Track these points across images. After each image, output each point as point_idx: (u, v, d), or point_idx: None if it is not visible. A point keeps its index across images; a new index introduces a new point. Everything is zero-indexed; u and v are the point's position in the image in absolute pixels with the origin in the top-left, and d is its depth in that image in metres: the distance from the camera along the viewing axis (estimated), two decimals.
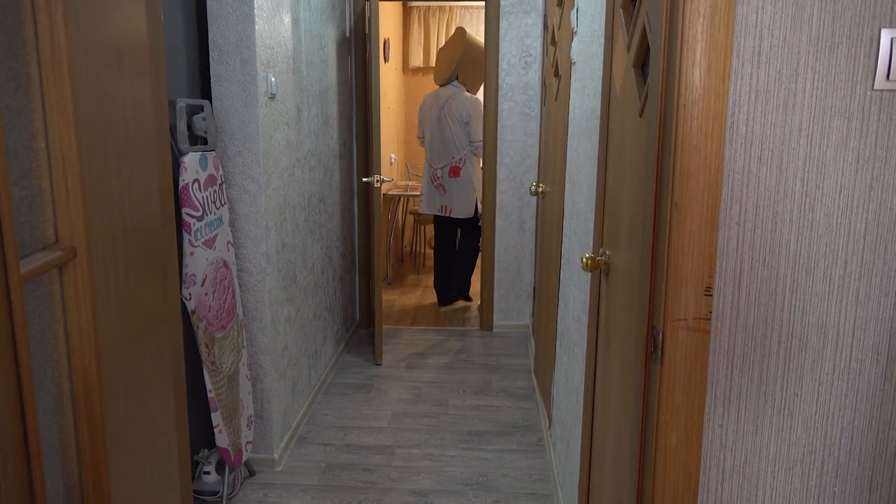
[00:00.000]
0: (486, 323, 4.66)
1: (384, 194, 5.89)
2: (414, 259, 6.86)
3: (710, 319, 1.10)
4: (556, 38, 3.17)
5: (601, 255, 1.87)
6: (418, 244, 6.72)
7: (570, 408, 2.46)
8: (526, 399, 3.56)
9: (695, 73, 1.03)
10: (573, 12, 2.55)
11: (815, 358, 1.12)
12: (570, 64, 2.64)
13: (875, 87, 1.03)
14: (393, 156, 6.47)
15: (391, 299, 5.45)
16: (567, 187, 2.68)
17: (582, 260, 1.86)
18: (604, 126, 1.87)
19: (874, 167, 1.05)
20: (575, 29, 2.53)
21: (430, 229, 7.31)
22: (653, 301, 1.14)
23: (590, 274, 2.11)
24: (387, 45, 5.97)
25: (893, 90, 1.03)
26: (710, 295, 1.09)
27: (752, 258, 1.10)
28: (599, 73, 1.99)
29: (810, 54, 1.03)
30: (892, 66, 1.01)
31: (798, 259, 1.09)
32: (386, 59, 5.95)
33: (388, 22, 6.20)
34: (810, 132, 1.05)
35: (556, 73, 3.15)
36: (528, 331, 4.58)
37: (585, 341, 2.17)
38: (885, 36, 1.01)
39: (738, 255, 1.10)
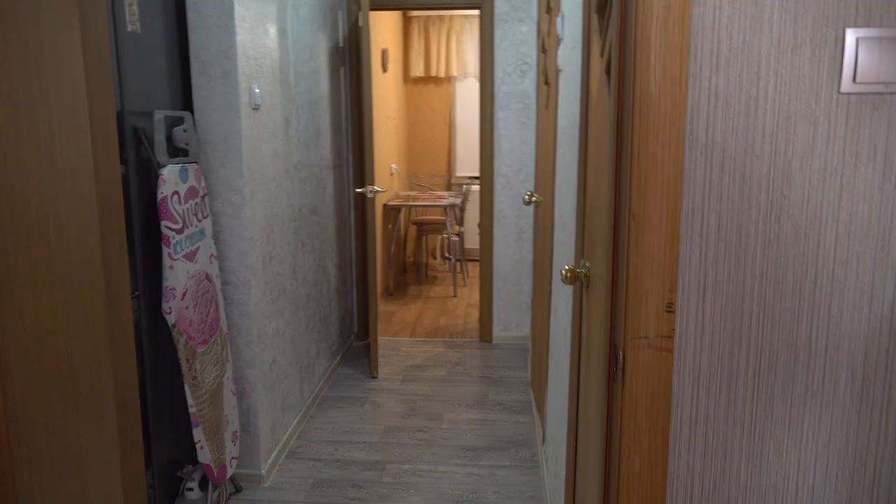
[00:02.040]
0: (485, 334, 4.60)
1: (385, 204, 5.86)
2: (416, 270, 6.81)
3: (672, 337, 1.04)
4: (545, 45, 3.12)
5: (581, 268, 1.81)
6: (421, 255, 6.68)
7: (560, 423, 2.40)
8: (522, 413, 3.50)
9: (649, 77, 0.98)
10: (559, 18, 2.50)
11: (786, 378, 1.06)
12: (558, 71, 2.59)
13: (841, 91, 0.97)
14: (394, 166, 6.43)
15: (391, 310, 5.40)
16: (556, 197, 2.63)
17: (561, 272, 1.80)
18: (582, 134, 1.82)
19: (843, 175, 0.99)
20: (560, 35, 2.48)
21: (433, 239, 7.27)
22: (614, 318, 1.08)
23: (572, 286, 2.06)
24: (385, 54, 5.94)
25: (860, 93, 0.97)
26: (672, 312, 1.03)
27: (717, 272, 1.04)
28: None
29: (772, 57, 0.98)
30: (857, 69, 0.95)
31: (765, 273, 1.03)
32: (385, 69, 5.93)
33: (387, 32, 6.18)
34: (774, 139, 1.00)
35: (545, 81, 3.10)
36: (528, 342, 4.52)
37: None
38: (850, 36, 0.95)
39: (702, 270, 1.04)
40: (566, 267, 1.79)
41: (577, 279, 1.79)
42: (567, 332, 2.23)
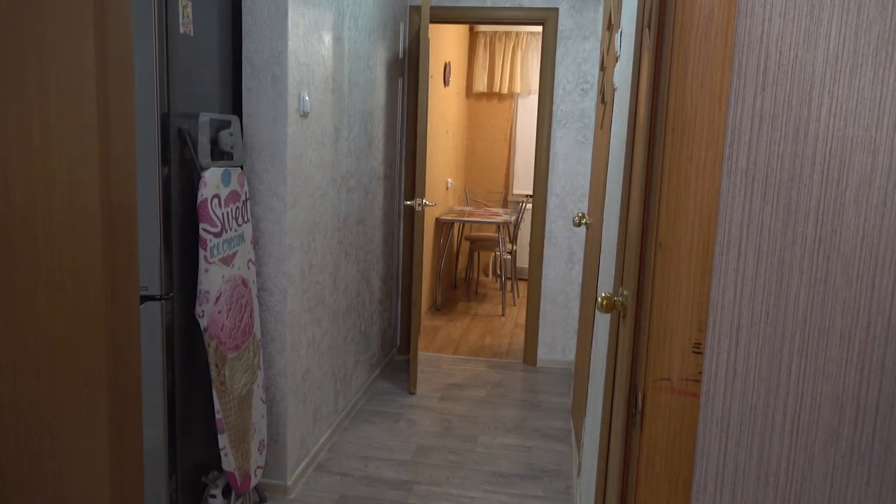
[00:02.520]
0: (529, 357, 4.48)
1: (438, 218, 5.81)
2: (467, 286, 6.74)
3: (699, 381, 0.94)
4: (604, 63, 3.02)
5: (619, 296, 1.70)
6: (472, 271, 6.60)
7: (594, 458, 2.28)
8: (561, 441, 3.37)
9: (686, 93, 0.89)
10: (618, 35, 2.41)
11: (829, 436, 0.94)
12: (614, 90, 2.50)
13: None
14: (450, 180, 6.39)
15: (437, 325, 5.33)
16: (605, 221, 2.53)
17: (597, 300, 1.70)
18: (628, 155, 1.72)
19: None
20: (618, 53, 2.39)
21: (485, 256, 7.19)
22: (634, 357, 0.99)
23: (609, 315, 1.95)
24: (448, 68, 5.92)
25: None
26: (700, 353, 0.93)
27: (753, 312, 0.93)
28: None
29: (827, 76, 0.87)
30: None
31: (809, 317, 0.92)
32: (446, 83, 5.90)
33: (451, 45, 6.16)
34: (826, 168, 0.89)
35: (602, 99, 3.00)
36: (573, 367, 4.38)
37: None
38: None
39: (736, 308, 0.94)
40: (603, 294, 1.68)
41: (613, 308, 1.69)
42: (605, 362, 2.12)
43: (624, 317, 1.68)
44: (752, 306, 0.93)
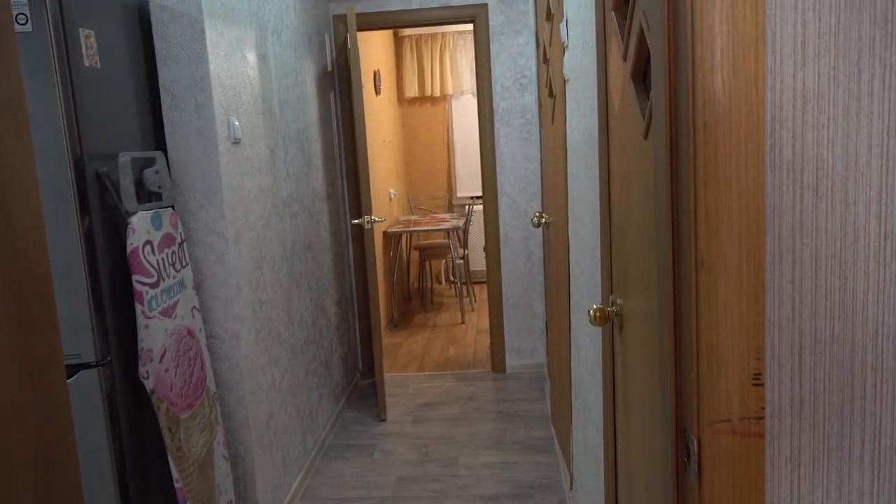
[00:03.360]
0: (497, 364, 4.33)
1: (385, 232, 5.62)
2: (422, 296, 6.56)
3: (763, 418, 0.79)
4: (547, 55, 2.89)
5: (612, 306, 1.56)
6: (425, 281, 6.42)
7: (591, 473, 2.14)
8: (544, 451, 3.23)
9: (715, 78, 0.73)
10: (562, 24, 2.27)
11: None
12: (564, 82, 2.36)
13: None
14: (392, 191, 6.20)
15: (397, 342, 5.14)
16: (570, 219, 2.39)
17: (589, 313, 1.55)
18: (603, 150, 1.58)
19: None
20: (565, 42, 2.25)
21: (437, 264, 7.02)
22: (679, 396, 0.83)
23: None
24: (377, 76, 5.73)
25: None
26: (761, 384, 0.78)
27: (816, 329, 0.79)
28: (595, 90, 1.70)
29: (877, 40, 0.73)
30: None
31: (881, 327, 0.78)
32: (377, 92, 5.71)
33: (378, 53, 5.98)
34: (886, 149, 0.75)
35: (550, 93, 2.87)
36: (545, 370, 4.25)
37: (601, 400, 1.85)
38: None
39: (797, 327, 0.79)
40: (595, 307, 1.53)
41: (607, 319, 1.54)
42: (594, 372, 1.98)
43: (620, 327, 1.54)
44: (815, 322, 0.79)
